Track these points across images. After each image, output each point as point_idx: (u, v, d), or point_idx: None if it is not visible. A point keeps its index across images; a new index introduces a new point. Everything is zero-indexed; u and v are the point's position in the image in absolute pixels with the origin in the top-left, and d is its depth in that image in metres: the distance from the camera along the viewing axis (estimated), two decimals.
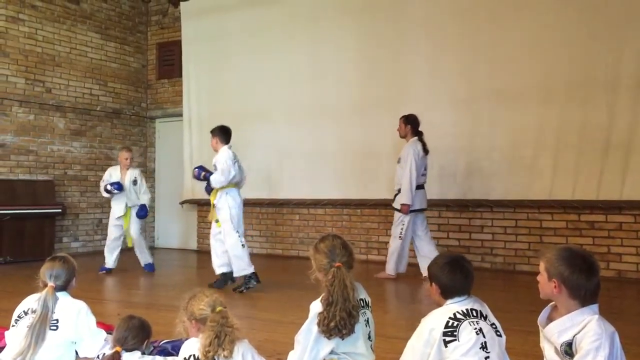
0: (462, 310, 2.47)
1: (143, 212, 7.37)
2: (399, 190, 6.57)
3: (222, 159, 5.93)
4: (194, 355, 2.54)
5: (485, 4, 7.43)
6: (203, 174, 6.03)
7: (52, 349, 3.08)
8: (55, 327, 3.10)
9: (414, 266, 7.66)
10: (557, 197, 6.93)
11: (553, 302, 2.43)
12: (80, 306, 3.24)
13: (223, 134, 6.12)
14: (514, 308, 4.71)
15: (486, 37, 7.36)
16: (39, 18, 8.93)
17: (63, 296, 3.21)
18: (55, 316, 3.12)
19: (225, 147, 6.08)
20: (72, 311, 3.18)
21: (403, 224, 6.55)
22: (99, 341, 3.23)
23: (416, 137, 6.63)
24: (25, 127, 8.73)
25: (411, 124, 6.66)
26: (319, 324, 2.63)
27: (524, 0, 7.21)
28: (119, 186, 7.18)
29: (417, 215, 6.64)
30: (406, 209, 6.48)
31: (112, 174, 7.37)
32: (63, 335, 3.12)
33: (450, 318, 2.44)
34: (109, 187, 7.20)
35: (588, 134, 6.74)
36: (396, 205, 6.61)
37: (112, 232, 7.35)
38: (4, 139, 8.48)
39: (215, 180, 5.89)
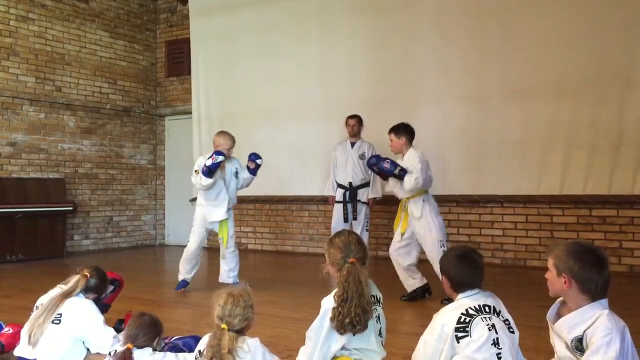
0: (474, 306, 2.46)
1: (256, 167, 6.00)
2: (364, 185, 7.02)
3: None
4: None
5: (496, 1, 7.39)
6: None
7: (56, 344, 3.13)
8: (57, 321, 3.16)
9: (425, 262, 7.66)
10: (568, 192, 6.90)
11: (561, 298, 2.43)
12: (85, 304, 3.27)
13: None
14: (524, 304, 4.69)
15: (497, 34, 7.32)
16: (49, 17, 8.98)
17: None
18: (59, 310, 3.17)
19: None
20: (76, 308, 3.23)
21: (368, 217, 7.07)
22: (107, 338, 3.26)
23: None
24: (35, 126, 8.79)
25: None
26: (332, 320, 2.63)
27: None
28: (215, 165, 5.55)
29: None
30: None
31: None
32: (65, 331, 3.16)
33: (462, 314, 2.44)
34: (209, 163, 5.49)
35: (600, 130, 6.70)
36: (364, 199, 7.01)
37: (200, 238, 6.00)
38: (15, 138, 8.54)
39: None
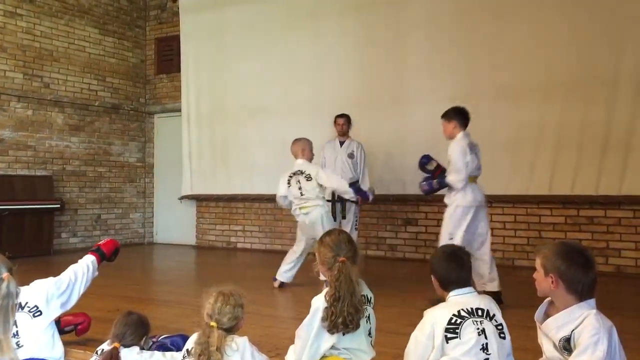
0: (467, 309, 2.46)
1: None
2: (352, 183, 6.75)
3: None
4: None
5: (486, 2, 7.41)
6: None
7: (40, 335, 3.08)
8: (39, 313, 3.09)
9: (414, 261, 7.68)
10: (556, 193, 6.93)
11: (549, 298, 2.43)
12: (38, 282, 3.26)
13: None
14: (512, 303, 4.71)
15: (487, 34, 7.34)
16: (37, 13, 8.90)
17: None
18: (31, 303, 3.11)
19: None
20: (39, 289, 3.21)
21: (357, 216, 6.91)
22: (65, 281, 3.30)
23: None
24: (23, 122, 8.72)
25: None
26: (325, 320, 2.62)
27: None
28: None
29: None
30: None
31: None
32: (49, 315, 3.14)
33: (454, 315, 2.43)
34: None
35: (588, 130, 6.74)
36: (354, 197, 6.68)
37: None
38: (2, 134, 8.46)
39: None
